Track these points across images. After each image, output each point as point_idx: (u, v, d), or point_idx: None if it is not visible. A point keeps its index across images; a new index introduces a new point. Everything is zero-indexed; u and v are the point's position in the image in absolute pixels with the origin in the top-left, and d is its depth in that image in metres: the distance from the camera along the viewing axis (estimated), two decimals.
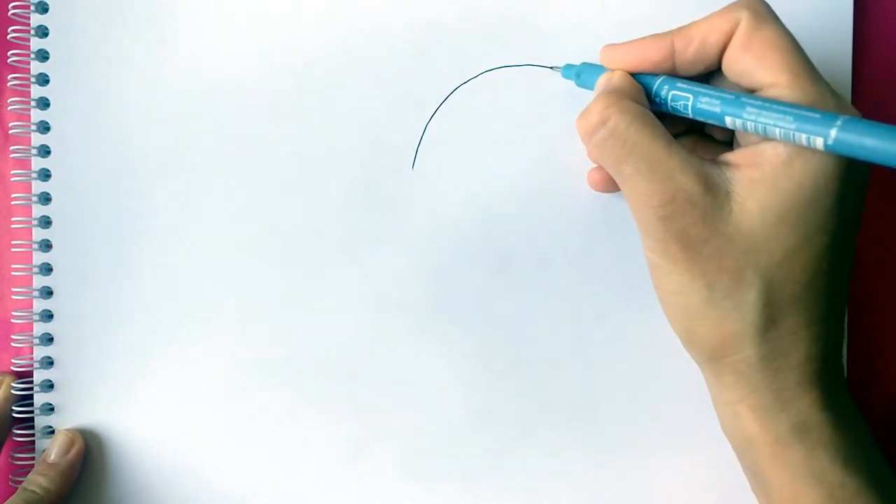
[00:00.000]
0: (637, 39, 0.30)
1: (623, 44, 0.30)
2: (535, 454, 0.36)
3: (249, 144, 0.36)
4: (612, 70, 0.30)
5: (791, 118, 0.25)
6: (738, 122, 0.27)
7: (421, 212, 0.36)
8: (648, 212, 0.28)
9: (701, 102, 0.28)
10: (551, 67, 0.34)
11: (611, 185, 0.33)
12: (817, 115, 0.25)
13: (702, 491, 0.36)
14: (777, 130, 0.26)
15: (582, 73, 0.32)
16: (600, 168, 0.33)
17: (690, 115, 0.29)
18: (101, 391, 0.36)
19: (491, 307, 0.36)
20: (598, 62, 0.31)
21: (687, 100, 0.28)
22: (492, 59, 0.35)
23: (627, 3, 0.35)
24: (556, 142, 0.35)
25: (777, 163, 0.27)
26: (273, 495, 0.36)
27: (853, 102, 0.35)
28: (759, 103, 0.26)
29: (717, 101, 0.27)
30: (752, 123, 0.26)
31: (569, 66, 0.33)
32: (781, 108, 0.26)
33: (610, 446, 0.36)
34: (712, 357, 0.29)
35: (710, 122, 0.28)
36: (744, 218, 0.27)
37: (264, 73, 0.36)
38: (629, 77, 0.30)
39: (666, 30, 0.30)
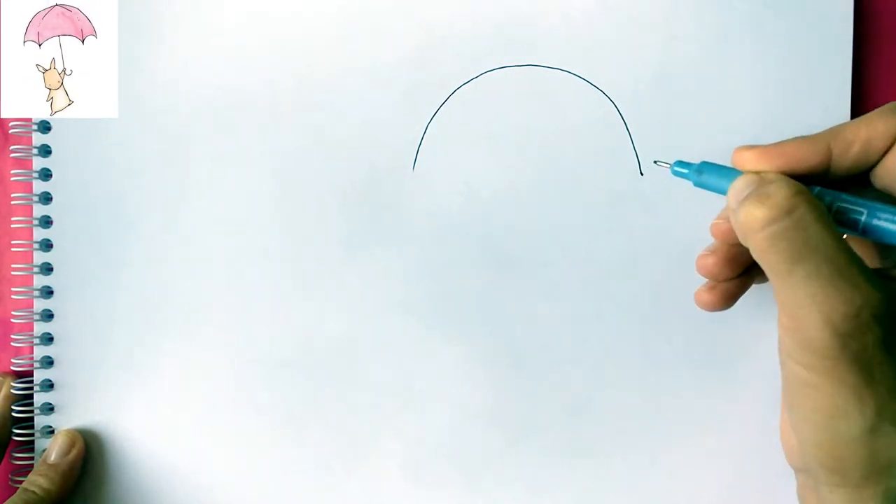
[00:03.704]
0: (786, 142, 0.27)
1: (766, 146, 0.27)
2: (535, 455, 0.36)
3: (250, 144, 0.36)
4: (752, 171, 0.27)
5: None
6: None
7: (421, 212, 0.36)
8: (823, 324, 0.24)
9: (880, 219, 0.25)
10: (657, 162, 0.32)
11: (727, 302, 0.31)
12: None
13: (702, 491, 0.36)
14: None
15: (706, 172, 0.29)
16: (714, 287, 0.30)
17: (858, 232, 0.26)
18: (102, 391, 0.36)
19: (491, 307, 0.36)
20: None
21: (860, 214, 0.26)
22: (492, 59, 0.35)
23: (628, 3, 0.35)
24: (557, 142, 0.35)
25: None
26: (273, 496, 0.36)
27: (853, 103, 0.35)
28: None
29: None
30: None
31: (682, 163, 0.30)
32: None
33: (610, 447, 0.36)
34: (859, 485, 0.26)
35: (883, 241, 0.26)
36: None
37: (265, 72, 0.36)
38: (787, 177, 0.26)
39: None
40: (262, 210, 0.36)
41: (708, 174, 0.29)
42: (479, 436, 0.36)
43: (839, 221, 0.26)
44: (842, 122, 0.28)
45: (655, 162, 0.32)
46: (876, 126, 0.26)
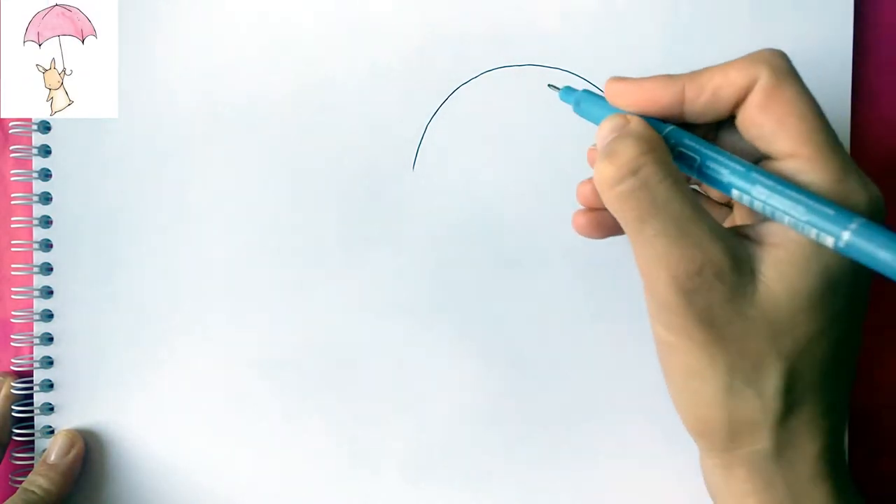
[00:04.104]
0: (647, 78, 0.27)
1: (632, 80, 0.27)
2: (534, 455, 0.36)
3: (250, 145, 0.36)
4: (617, 106, 0.27)
5: (803, 209, 0.23)
6: (746, 198, 0.25)
7: (421, 212, 0.36)
8: (669, 282, 0.25)
9: (708, 167, 0.25)
10: (549, 86, 0.32)
11: (599, 231, 0.30)
12: (831, 212, 0.23)
13: (703, 491, 0.36)
14: (786, 218, 0.24)
15: (582, 102, 0.29)
16: (588, 211, 0.30)
17: (695, 176, 0.26)
18: (101, 391, 0.36)
19: (491, 307, 0.36)
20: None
21: (693, 161, 0.26)
22: (492, 59, 0.35)
23: (628, 3, 0.35)
24: (556, 142, 0.35)
25: (807, 242, 0.24)
26: (272, 497, 0.36)
27: (853, 105, 0.35)
28: (772, 184, 0.24)
29: (726, 171, 0.25)
30: (761, 204, 0.24)
31: (569, 90, 0.30)
32: (795, 194, 0.24)
33: (610, 447, 0.36)
34: (725, 448, 0.27)
35: (714, 187, 0.26)
36: (770, 300, 0.25)
37: (265, 72, 0.36)
38: (649, 126, 0.26)
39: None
40: (261, 210, 0.36)
41: (586, 104, 0.29)
42: (479, 436, 0.36)
43: (679, 164, 0.26)
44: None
45: (550, 85, 0.31)
46: (729, 75, 0.25)
